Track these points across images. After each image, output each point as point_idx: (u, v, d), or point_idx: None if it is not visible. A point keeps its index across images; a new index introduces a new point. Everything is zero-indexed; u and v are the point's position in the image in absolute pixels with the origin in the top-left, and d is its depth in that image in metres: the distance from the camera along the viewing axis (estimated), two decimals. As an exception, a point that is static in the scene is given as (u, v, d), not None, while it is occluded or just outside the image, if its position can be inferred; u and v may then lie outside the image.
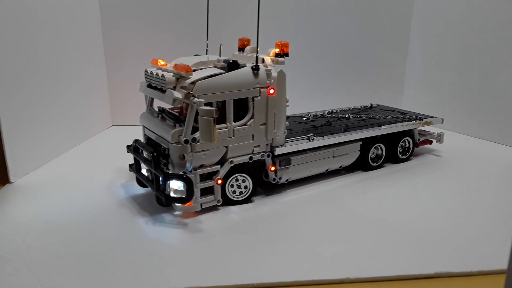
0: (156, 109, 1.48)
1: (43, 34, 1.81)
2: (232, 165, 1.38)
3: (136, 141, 1.45)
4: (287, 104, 1.48)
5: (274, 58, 1.43)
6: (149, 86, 1.42)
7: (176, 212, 1.36)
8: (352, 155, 1.71)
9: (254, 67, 1.35)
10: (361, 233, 1.26)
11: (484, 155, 2.05)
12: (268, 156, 1.46)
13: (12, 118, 1.60)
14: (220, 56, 1.45)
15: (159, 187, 1.32)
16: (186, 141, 1.26)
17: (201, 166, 1.32)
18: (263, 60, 1.42)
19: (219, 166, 1.36)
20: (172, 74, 1.31)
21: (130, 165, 1.53)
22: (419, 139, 1.95)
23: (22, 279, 1.01)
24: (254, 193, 1.47)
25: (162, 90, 1.32)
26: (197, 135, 1.26)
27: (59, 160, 1.90)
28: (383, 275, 1.05)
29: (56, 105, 1.93)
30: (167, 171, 1.33)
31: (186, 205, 1.31)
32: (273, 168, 1.49)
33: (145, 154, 1.43)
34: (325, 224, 1.32)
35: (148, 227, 1.27)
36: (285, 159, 1.50)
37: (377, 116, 1.97)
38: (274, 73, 1.41)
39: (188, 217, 1.34)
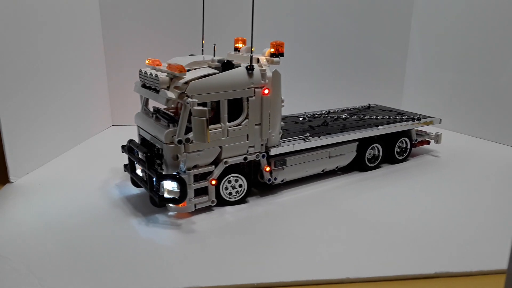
0: (152, 110, 1.49)
1: (43, 34, 1.82)
2: (227, 165, 1.38)
3: (131, 141, 1.45)
4: (282, 104, 1.47)
5: (269, 58, 1.42)
6: (144, 86, 1.42)
7: (170, 213, 1.36)
8: (348, 155, 1.70)
9: (248, 67, 1.35)
10: (359, 233, 1.25)
11: (484, 155, 2.04)
12: (263, 156, 1.46)
13: (12, 118, 1.61)
14: (214, 56, 1.44)
15: (153, 188, 1.32)
16: (180, 142, 1.26)
17: (195, 167, 1.32)
18: (258, 60, 1.42)
19: (214, 166, 1.36)
20: (166, 74, 1.31)
21: (125, 165, 1.53)
22: (416, 140, 1.94)
23: (22, 279, 1.01)
24: (249, 193, 1.47)
25: (156, 90, 1.32)
26: (190, 135, 1.26)
27: (59, 160, 1.91)
28: (383, 275, 1.05)
29: (56, 105, 1.93)
30: (161, 171, 1.33)
31: (180, 205, 1.31)
32: (268, 169, 1.49)
33: (140, 154, 1.44)
34: (321, 224, 1.31)
35: (141, 228, 1.27)
36: (280, 160, 1.50)
37: (374, 117, 1.96)
38: (269, 73, 1.40)
39: (182, 217, 1.34)
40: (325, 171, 1.67)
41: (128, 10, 2.37)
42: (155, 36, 2.42)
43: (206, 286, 1.00)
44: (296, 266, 1.08)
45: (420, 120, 1.92)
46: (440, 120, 2.01)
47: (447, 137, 2.05)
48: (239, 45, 1.58)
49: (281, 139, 1.51)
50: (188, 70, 1.31)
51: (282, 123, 1.51)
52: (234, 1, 2.43)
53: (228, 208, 1.41)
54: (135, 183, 1.51)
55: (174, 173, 1.29)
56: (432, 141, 2.02)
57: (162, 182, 1.29)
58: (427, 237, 1.23)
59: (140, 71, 1.43)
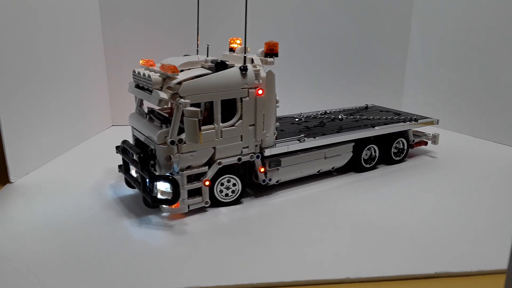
0: (146, 110, 1.49)
1: (43, 34, 1.83)
2: (220, 166, 1.38)
3: (124, 141, 1.46)
4: (277, 105, 1.47)
5: (263, 58, 1.42)
6: (137, 86, 1.42)
7: (164, 214, 1.36)
8: (344, 156, 1.70)
9: (242, 68, 1.34)
10: (358, 234, 1.25)
11: (484, 155, 2.02)
12: (258, 157, 1.46)
13: (12, 118, 1.62)
14: (208, 56, 1.44)
15: (146, 189, 1.32)
16: (172, 142, 1.26)
17: (189, 167, 1.32)
18: (252, 61, 1.41)
19: (207, 167, 1.36)
20: (159, 74, 1.31)
21: (120, 166, 1.54)
22: (414, 140, 1.92)
23: (22, 279, 1.02)
24: (243, 194, 1.47)
25: (149, 91, 1.32)
26: (183, 136, 1.26)
27: (59, 160, 1.91)
28: (383, 275, 1.05)
29: (56, 105, 1.94)
30: (154, 172, 1.33)
31: (173, 206, 1.30)
32: (262, 170, 1.48)
33: (134, 155, 1.44)
34: (317, 225, 1.30)
35: (134, 229, 1.27)
36: (275, 160, 1.49)
37: (371, 117, 1.95)
38: (263, 74, 1.40)
39: (175, 218, 1.34)
40: (320, 172, 1.66)
41: (128, 10, 2.37)
42: (155, 36, 2.42)
43: (198, 286, 0.99)
44: (296, 266, 1.07)
45: (417, 121, 1.91)
46: (438, 120, 1.99)
47: (447, 137, 2.04)
48: (234, 45, 1.58)
49: (276, 139, 1.51)
50: (181, 71, 1.30)
51: (277, 123, 1.50)
52: (235, 1, 2.43)
53: (222, 209, 1.41)
54: (129, 184, 1.51)
55: (167, 174, 1.29)
56: (429, 142, 2.00)
57: (155, 183, 1.29)
58: (427, 237, 1.22)
59: (134, 71, 1.43)
